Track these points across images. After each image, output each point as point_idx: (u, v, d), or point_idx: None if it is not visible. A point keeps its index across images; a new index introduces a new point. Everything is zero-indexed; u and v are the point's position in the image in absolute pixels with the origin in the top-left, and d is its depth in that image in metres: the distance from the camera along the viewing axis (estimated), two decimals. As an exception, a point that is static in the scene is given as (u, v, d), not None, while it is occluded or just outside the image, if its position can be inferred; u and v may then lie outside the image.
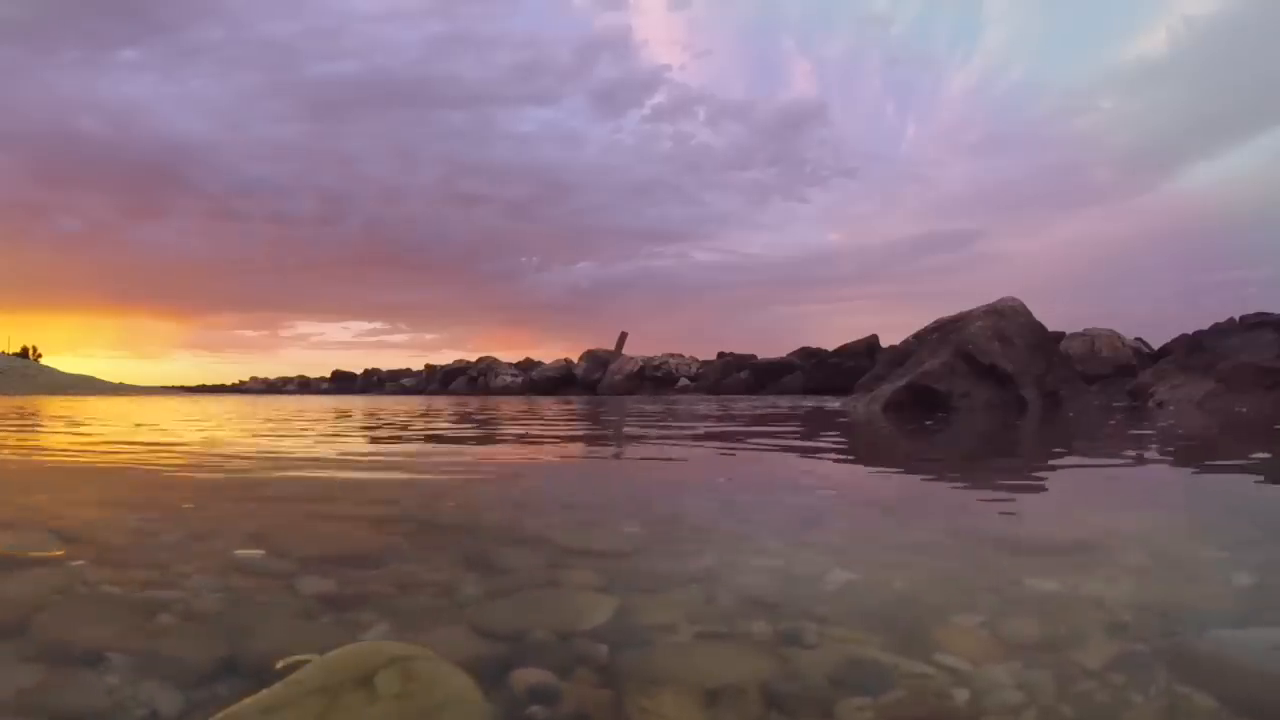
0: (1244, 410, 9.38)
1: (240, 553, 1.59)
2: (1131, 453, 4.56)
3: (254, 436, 5.62)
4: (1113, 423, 7.75)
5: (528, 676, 1.01)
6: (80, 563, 1.50)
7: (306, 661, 0.98)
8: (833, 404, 14.12)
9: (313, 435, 5.75)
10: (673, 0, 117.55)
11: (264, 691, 0.90)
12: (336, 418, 9.03)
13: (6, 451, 4.36)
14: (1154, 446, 4.90)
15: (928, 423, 7.99)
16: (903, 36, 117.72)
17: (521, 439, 5.61)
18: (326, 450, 4.37)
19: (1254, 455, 4.25)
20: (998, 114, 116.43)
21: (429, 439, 5.63)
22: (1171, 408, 11.33)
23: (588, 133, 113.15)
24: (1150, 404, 12.39)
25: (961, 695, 0.97)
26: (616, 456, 4.47)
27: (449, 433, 6.43)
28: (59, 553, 1.57)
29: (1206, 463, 4.24)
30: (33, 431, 6.45)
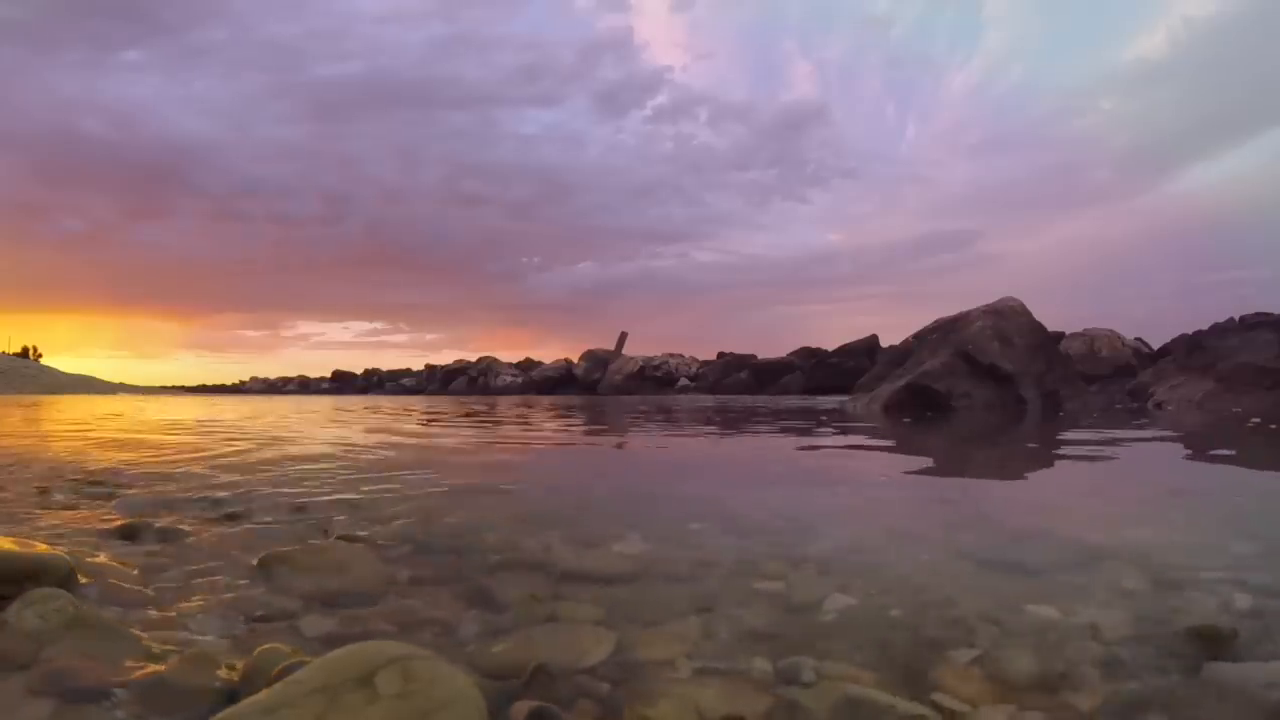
0: (1239, 410, 9.38)
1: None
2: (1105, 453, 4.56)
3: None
4: (1090, 423, 7.74)
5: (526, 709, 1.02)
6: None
7: (306, 662, 0.98)
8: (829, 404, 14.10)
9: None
10: (674, 2, 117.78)
11: (264, 691, 0.90)
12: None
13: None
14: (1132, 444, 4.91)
15: (905, 420, 7.98)
16: (903, 38, 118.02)
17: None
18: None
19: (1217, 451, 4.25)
20: (998, 115, 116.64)
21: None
22: (1170, 407, 11.32)
23: (590, 134, 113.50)
24: (1149, 404, 12.38)
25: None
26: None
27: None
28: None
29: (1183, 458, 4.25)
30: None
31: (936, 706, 1.05)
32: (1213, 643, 1.27)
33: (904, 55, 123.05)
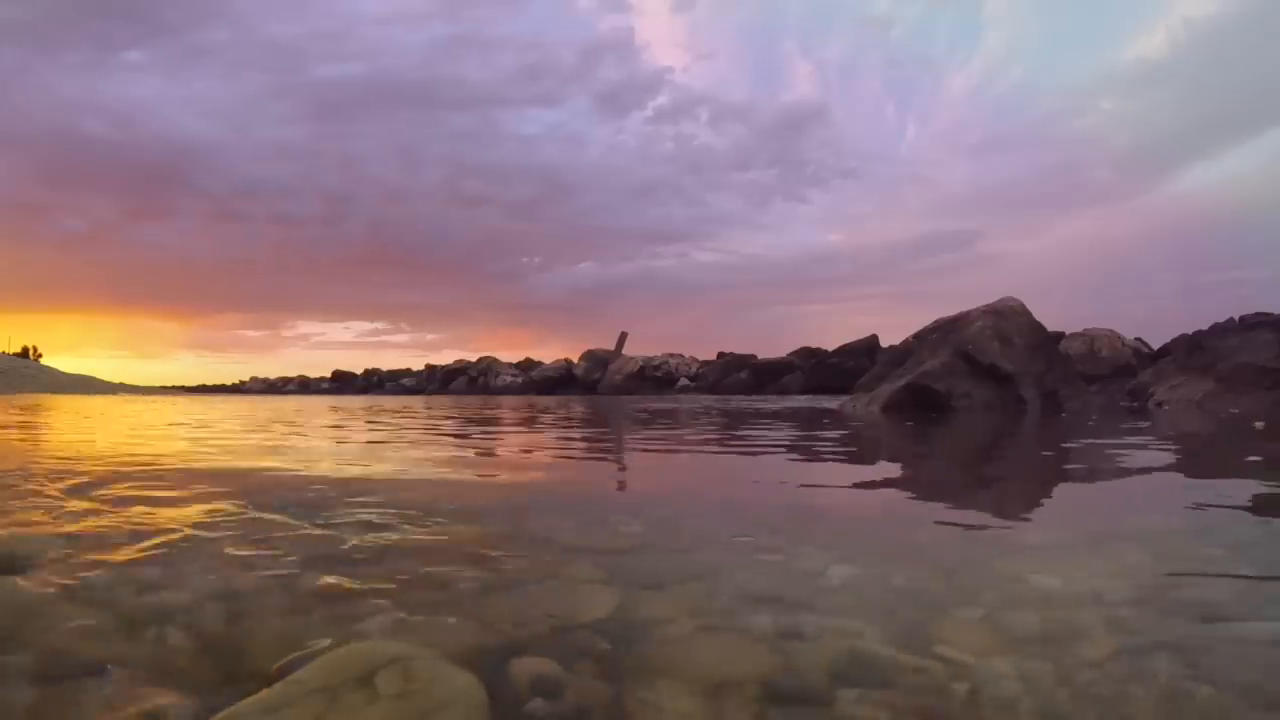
0: (1236, 411, 9.37)
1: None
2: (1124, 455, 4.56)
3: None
4: (1091, 423, 7.73)
5: (529, 667, 1.02)
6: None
7: (307, 660, 0.98)
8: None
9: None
10: (675, 3, 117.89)
11: (265, 691, 0.90)
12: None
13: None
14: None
15: (908, 423, 7.96)
16: (903, 38, 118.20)
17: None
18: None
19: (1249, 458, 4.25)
20: (997, 115, 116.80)
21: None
22: (1168, 408, 11.33)
23: (591, 134, 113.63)
24: (1150, 403, 12.38)
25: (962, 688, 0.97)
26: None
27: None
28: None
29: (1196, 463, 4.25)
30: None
31: (941, 659, 1.05)
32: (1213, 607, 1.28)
33: (904, 55, 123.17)
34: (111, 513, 2.11)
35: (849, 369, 26.50)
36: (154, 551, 1.64)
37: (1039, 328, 12.67)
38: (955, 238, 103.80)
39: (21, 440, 5.37)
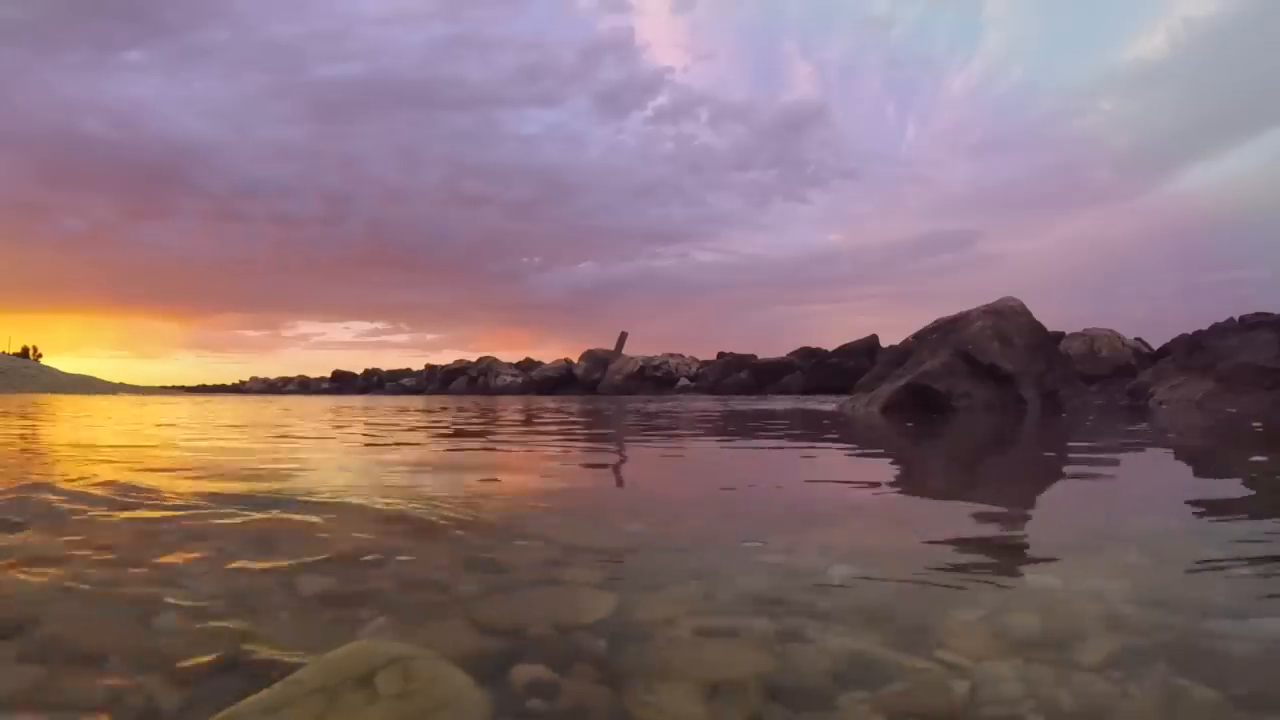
0: (1234, 410, 9.36)
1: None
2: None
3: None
4: (1090, 422, 7.73)
5: (527, 672, 1.02)
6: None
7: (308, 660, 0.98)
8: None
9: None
10: (675, 3, 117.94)
11: (264, 691, 0.90)
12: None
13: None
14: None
15: (908, 424, 7.95)
16: (903, 38, 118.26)
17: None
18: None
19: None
20: (998, 115, 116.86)
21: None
22: (1167, 407, 11.33)
23: (591, 134, 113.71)
24: (1151, 402, 12.38)
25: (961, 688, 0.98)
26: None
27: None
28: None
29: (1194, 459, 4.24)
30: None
31: (941, 662, 1.05)
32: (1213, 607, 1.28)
33: (904, 56, 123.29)
34: (111, 511, 2.11)
35: (849, 369, 26.49)
36: (154, 551, 1.65)
37: (1039, 328, 12.66)
38: (955, 238, 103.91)
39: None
